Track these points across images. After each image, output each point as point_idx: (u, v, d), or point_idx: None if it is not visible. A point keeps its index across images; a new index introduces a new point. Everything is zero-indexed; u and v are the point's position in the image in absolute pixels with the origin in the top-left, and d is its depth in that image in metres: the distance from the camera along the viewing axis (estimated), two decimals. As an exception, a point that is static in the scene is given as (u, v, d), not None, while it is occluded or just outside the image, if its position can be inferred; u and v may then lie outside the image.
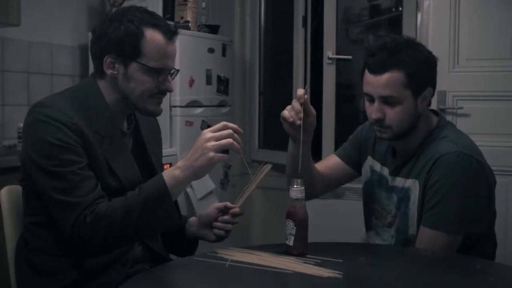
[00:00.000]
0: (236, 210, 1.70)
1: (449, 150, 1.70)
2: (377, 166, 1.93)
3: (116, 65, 1.60)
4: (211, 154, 1.49)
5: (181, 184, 1.53)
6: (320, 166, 2.02)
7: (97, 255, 1.56)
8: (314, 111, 1.75)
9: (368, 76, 1.75)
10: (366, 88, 1.76)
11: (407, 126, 1.76)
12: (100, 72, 1.63)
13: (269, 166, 1.63)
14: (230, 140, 1.51)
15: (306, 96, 1.69)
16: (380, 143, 1.94)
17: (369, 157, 1.97)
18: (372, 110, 1.75)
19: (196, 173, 1.52)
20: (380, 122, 1.75)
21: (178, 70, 1.68)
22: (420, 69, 1.73)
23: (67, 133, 1.50)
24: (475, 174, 1.70)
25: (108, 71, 1.61)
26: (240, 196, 1.70)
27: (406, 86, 1.71)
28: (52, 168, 1.49)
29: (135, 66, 1.59)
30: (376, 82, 1.72)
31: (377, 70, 1.72)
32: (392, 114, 1.73)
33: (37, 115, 1.53)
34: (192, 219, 1.83)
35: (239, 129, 1.55)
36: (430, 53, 1.79)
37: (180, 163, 1.54)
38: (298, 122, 1.68)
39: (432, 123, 1.83)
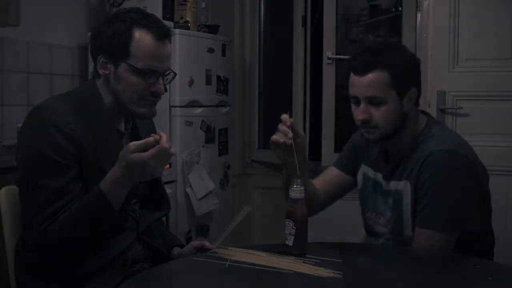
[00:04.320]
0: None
1: (436, 149, 1.71)
2: (371, 173, 1.93)
3: (108, 65, 1.60)
4: None
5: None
6: (319, 181, 2.03)
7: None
8: (302, 132, 1.76)
9: (353, 78, 1.77)
10: (352, 90, 1.78)
11: (393, 127, 1.77)
12: (97, 72, 1.64)
13: (249, 208, 1.66)
14: None
15: (291, 119, 1.71)
16: (372, 150, 1.95)
17: (363, 165, 1.98)
18: (358, 112, 1.77)
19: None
20: (367, 123, 1.76)
21: (175, 74, 1.67)
22: (404, 69, 1.75)
23: (61, 142, 1.50)
24: (463, 171, 1.70)
25: (101, 71, 1.62)
26: (219, 237, 1.70)
27: (391, 86, 1.73)
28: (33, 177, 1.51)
29: (124, 67, 1.59)
30: (361, 83, 1.74)
31: (361, 70, 1.74)
32: (378, 114, 1.74)
33: (33, 120, 1.54)
34: (175, 250, 1.83)
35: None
36: (413, 55, 1.82)
37: None
38: (289, 141, 1.69)
39: (421, 123, 1.83)
